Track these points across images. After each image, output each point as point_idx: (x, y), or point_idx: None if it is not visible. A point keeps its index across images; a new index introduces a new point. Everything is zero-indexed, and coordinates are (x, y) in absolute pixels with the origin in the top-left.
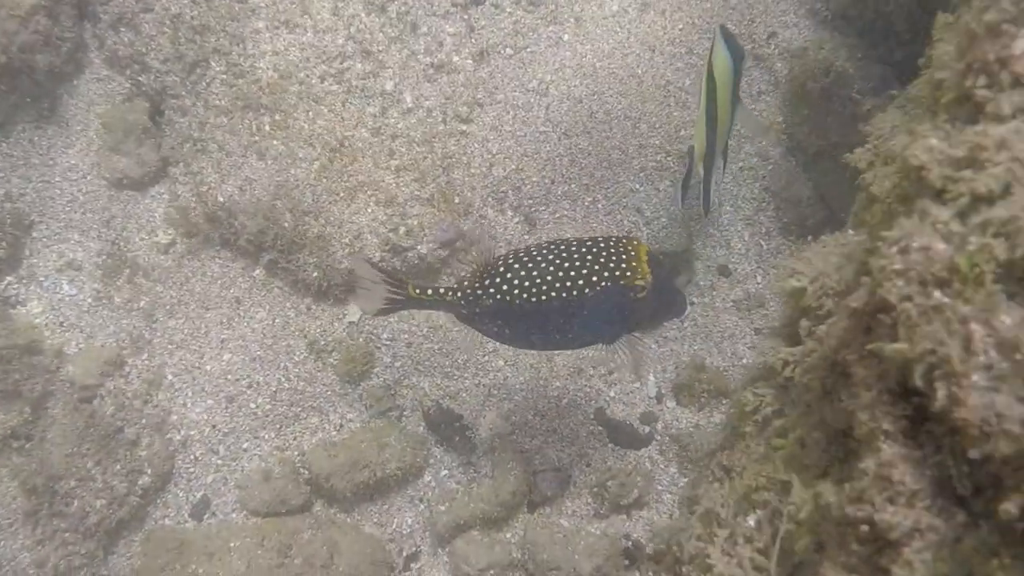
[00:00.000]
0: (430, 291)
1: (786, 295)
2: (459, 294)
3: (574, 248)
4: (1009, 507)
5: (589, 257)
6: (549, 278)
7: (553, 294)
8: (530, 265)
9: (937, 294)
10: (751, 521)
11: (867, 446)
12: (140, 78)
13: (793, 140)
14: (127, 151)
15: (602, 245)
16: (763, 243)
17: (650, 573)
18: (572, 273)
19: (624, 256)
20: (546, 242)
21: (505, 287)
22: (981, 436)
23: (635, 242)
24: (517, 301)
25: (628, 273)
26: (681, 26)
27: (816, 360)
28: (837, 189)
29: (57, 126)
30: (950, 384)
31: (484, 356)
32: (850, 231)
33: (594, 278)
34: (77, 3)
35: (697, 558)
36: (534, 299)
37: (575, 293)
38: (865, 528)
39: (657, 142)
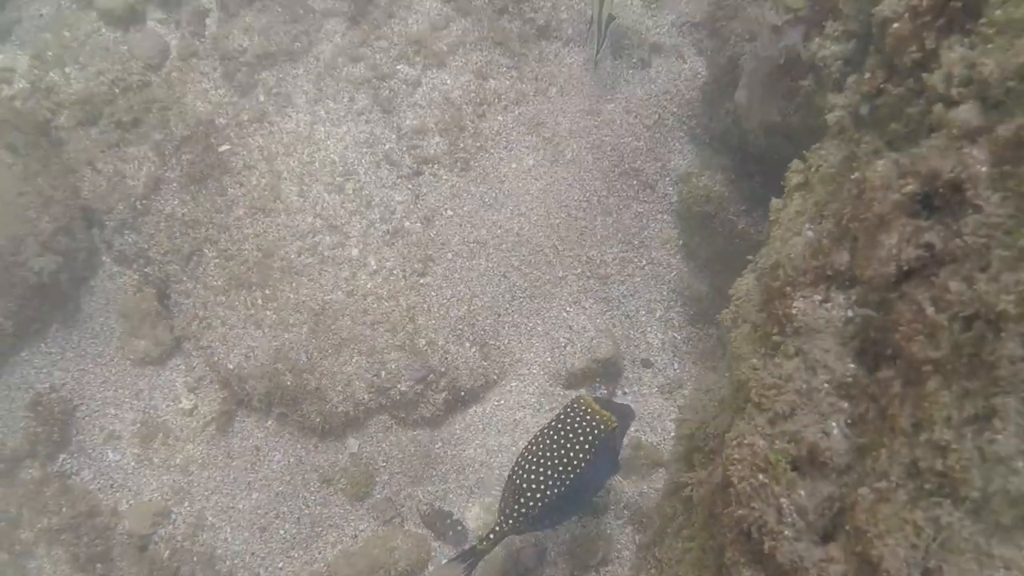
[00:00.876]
0: (492, 535)
1: (682, 436)
2: (511, 522)
3: (555, 435)
4: None
5: (569, 433)
6: (562, 467)
7: (573, 474)
8: (544, 467)
9: (761, 476)
10: None
11: (734, 569)
12: (146, 270)
13: (688, 249)
14: (144, 334)
15: (568, 419)
16: (676, 335)
17: None
18: (573, 451)
19: (587, 415)
20: (533, 444)
21: (538, 495)
22: (792, 571)
23: (582, 401)
24: (554, 495)
25: (600, 424)
26: (585, 172)
27: (703, 494)
28: (730, 283)
29: (83, 322)
30: (770, 538)
31: (463, 460)
32: (724, 373)
33: (586, 443)
34: (85, 216)
35: None
36: (565, 485)
37: (586, 459)
38: None
39: (577, 271)
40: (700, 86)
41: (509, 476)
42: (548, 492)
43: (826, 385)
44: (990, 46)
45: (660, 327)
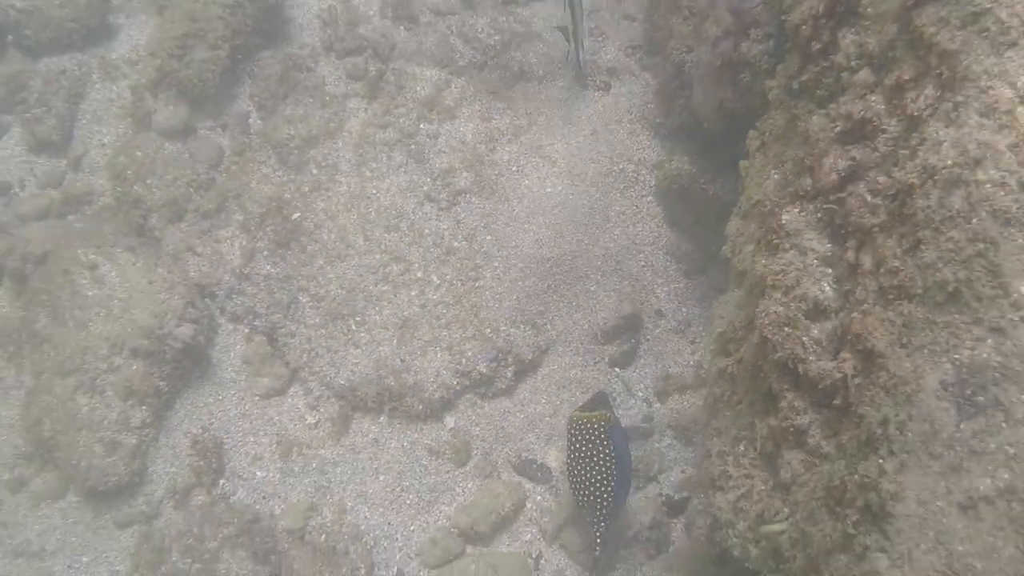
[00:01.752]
0: (598, 541)
1: (715, 336)
2: (603, 523)
3: (579, 452)
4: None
5: (587, 444)
6: (600, 466)
7: (610, 465)
8: (591, 476)
9: (786, 329)
10: (741, 447)
11: (779, 395)
12: (255, 323)
13: (672, 219)
14: (264, 372)
15: (576, 436)
16: (677, 286)
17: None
18: (597, 452)
19: (584, 423)
20: (573, 468)
21: (603, 495)
22: (819, 379)
23: (573, 417)
24: (612, 487)
25: (596, 422)
26: (582, 177)
27: (745, 358)
28: (712, 243)
29: (216, 372)
30: (802, 364)
31: (535, 416)
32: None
33: (600, 441)
34: (200, 290)
35: (720, 475)
36: (612, 476)
37: (610, 449)
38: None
39: (594, 253)
40: (653, 92)
41: (576, 499)
42: (607, 488)
43: (815, 260)
44: (869, 31)
45: (663, 282)
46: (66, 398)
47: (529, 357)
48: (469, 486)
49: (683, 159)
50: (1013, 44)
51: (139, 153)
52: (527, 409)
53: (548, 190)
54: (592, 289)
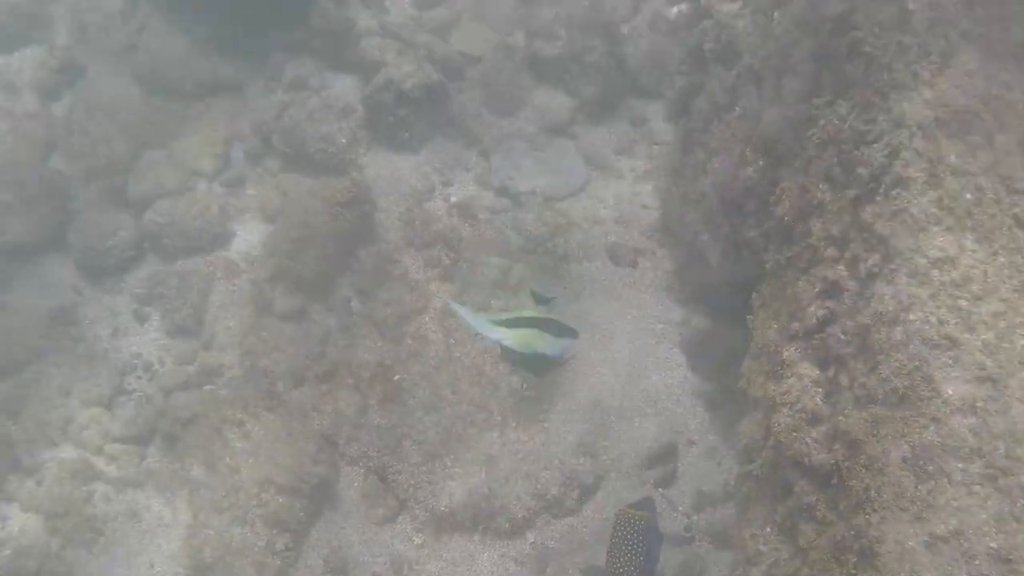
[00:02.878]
0: None
1: (742, 447)
2: None
3: (619, 542)
4: None
5: (624, 529)
6: (633, 554)
7: (641, 558)
8: (626, 557)
9: (794, 433)
10: (768, 529)
11: (793, 483)
12: (368, 465)
13: (693, 365)
14: (378, 504)
15: (621, 521)
16: (708, 417)
17: None
18: (634, 541)
19: (628, 520)
20: (613, 558)
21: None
22: (823, 467)
23: (622, 513)
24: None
25: (638, 520)
26: (625, 342)
27: (766, 463)
28: (728, 383)
29: (339, 506)
30: (807, 458)
31: (597, 530)
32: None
33: (637, 538)
34: (326, 438)
35: (753, 553)
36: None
37: (645, 546)
38: None
39: (639, 402)
40: (673, 267)
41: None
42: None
43: (809, 383)
44: (832, 221)
45: (692, 417)
46: (223, 529)
47: (589, 481)
48: None
49: (701, 318)
50: (923, 229)
51: (264, 333)
52: (590, 524)
53: (596, 347)
54: (636, 425)
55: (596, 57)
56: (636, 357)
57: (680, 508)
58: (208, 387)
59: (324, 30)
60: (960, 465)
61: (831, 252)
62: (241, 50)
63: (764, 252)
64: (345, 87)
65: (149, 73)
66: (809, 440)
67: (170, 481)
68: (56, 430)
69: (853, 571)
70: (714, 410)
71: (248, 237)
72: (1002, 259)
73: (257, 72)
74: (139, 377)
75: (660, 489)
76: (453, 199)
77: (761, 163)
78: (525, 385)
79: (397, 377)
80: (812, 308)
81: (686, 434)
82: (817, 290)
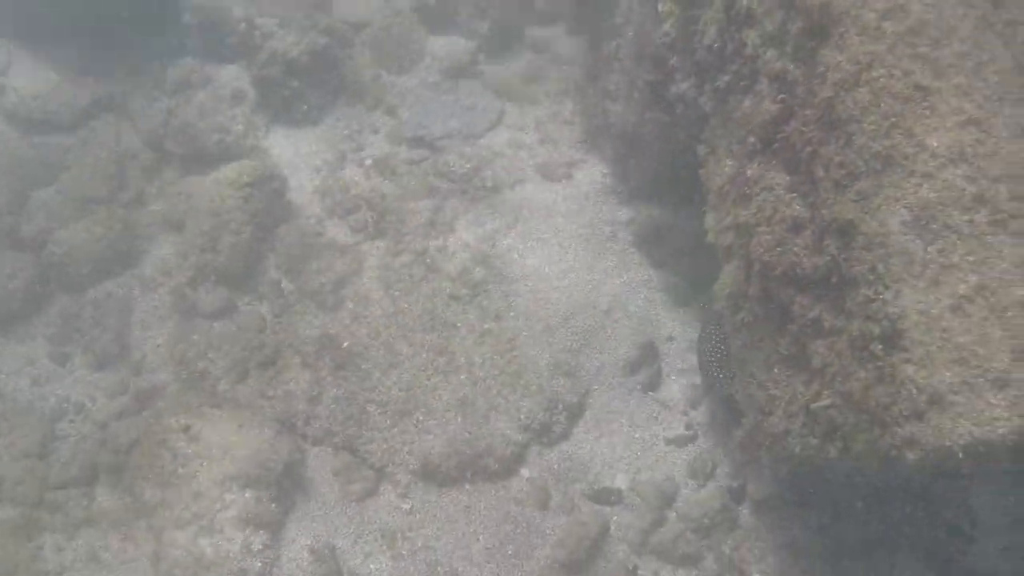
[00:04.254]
0: None
1: (725, 296)
2: None
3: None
4: None
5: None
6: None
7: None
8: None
9: (778, 248)
10: (775, 370)
11: (790, 304)
12: (335, 440)
13: (653, 259)
14: (354, 479)
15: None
16: (681, 310)
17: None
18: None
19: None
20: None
21: None
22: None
23: None
24: None
25: None
26: (578, 252)
27: (754, 298)
28: (691, 271)
29: (312, 491)
30: (794, 268)
31: (594, 449)
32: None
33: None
34: (282, 423)
35: (766, 401)
36: None
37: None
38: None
39: (606, 308)
40: (608, 167)
41: None
42: None
43: (782, 191)
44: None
45: (664, 311)
46: (189, 545)
47: (574, 400)
48: (557, 524)
49: (650, 209)
50: None
51: (195, 337)
52: (585, 445)
53: (549, 265)
54: (608, 333)
55: None
56: (593, 264)
57: (675, 407)
58: (146, 413)
59: (200, 24)
60: (965, 217)
61: (771, 53)
62: (116, 68)
63: (700, 95)
64: (231, 74)
65: (23, 111)
66: (797, 248)
67: (124, 514)
68: None
69: (880, 358)
70: (685, 302)
71: (159, 252)
72: None
73: (137, 85)
74: (71, 421)
75: (650, 393)
76: (368, 161)
77: (678, 11)
78: (484, 318)
79: (346, 344)
80: (765, 105)
81: (663, 330)
82: (766, 88)
